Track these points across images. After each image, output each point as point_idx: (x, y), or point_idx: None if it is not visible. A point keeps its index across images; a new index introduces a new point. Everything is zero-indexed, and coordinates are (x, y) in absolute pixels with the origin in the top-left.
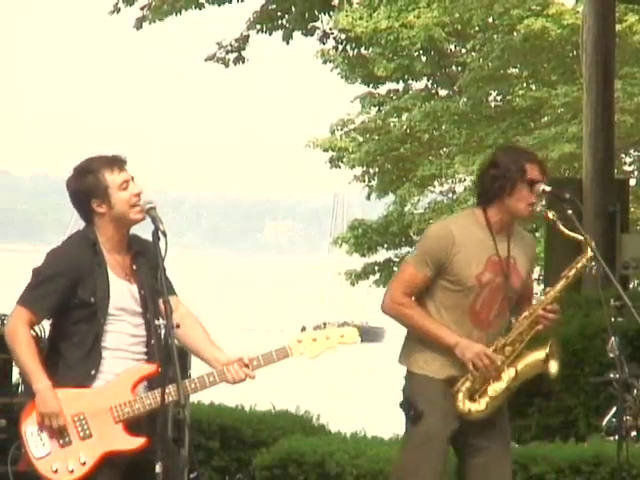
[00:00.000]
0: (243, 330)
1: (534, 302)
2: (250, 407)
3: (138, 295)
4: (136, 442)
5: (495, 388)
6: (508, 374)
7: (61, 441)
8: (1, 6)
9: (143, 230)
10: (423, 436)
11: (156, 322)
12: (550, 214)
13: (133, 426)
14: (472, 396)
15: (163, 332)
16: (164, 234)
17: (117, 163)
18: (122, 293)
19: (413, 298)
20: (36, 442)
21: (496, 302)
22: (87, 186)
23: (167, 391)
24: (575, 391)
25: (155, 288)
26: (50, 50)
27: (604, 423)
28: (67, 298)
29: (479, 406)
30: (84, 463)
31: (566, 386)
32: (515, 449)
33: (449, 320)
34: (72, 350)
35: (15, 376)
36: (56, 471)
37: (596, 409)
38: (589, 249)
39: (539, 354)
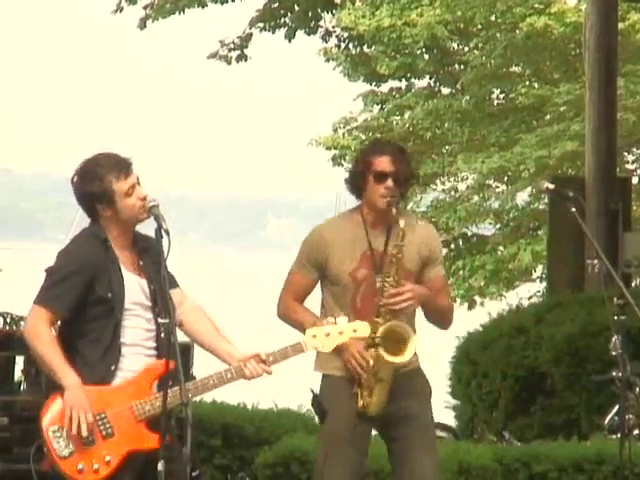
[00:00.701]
0: (245, 326)
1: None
2: (252, 405)
3: (148, 290)
4: (153, 441)
5: (369, 381)
6: (369, 366)
7: (84, 440)
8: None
9: (146, 228)
10: (329, 435)
11: (160, 320)
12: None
13: (153, 424)
14: (370, 394)
15: (165, 330)
16: (167, 232)
17: (123, 168)
18: (135, 288)
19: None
20: (59, 441)
21: (376, 297)
22: (92, 191)
23: (228, 376)
24: (578, 389)
25: (160, 284)
26: (51, 49)
27: (606, 421)
28: (84, 296)
29: (370, 398)
30: (108, 462)
31: (569, 384)
32: (518, 447)
33: (340, 315)
34: (90, 347)
35: (17, 374)
36: (81, 471)
37: (598, 407)
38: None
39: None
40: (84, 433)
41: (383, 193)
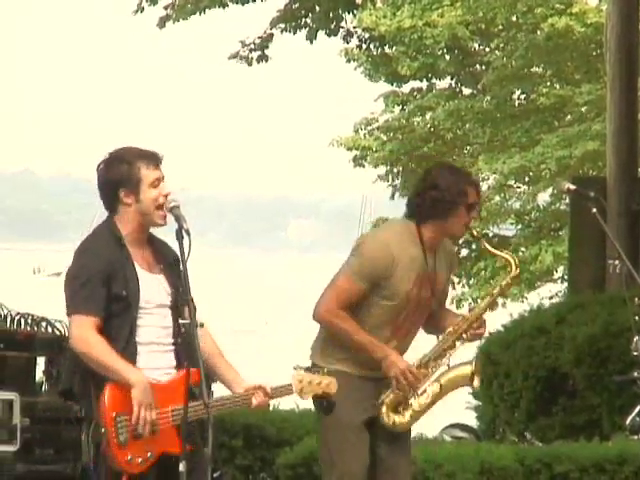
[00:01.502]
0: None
1: (458, 318)
2: (274, 406)
3: (168, 288)
4: (178, 448)
5: (420, 402)
6: (433, 388)
7: (135, 433)
8: (22, 6)
9: (168, 229)
10: (337, 424)
11: (180, 320)
12: (475, 231)
13: (180, 431)
14: (396, 408)
15: (186, 331)
16: (188, 233)
17: (154, 159)
18: (150, 285)
19: None
20: (121, 429)
21: (415, 316)
22: (120, 174)
23: (242, 400)
24: (599, 390)
25: (177, 285)
26: (75, 50)
27: (628, 422)
28: (107, 294)
29: (403, 418)
30: (148, 458)
31: (590, 385)
32: (539, 448)
33: (372, 328)
34: (114, 344)
35: (38, 375)
36: (129, 462)
37: (620, 408)
38: (514, 267)
39: (464, 370)
40: (147, 431)
41: (468, 223)
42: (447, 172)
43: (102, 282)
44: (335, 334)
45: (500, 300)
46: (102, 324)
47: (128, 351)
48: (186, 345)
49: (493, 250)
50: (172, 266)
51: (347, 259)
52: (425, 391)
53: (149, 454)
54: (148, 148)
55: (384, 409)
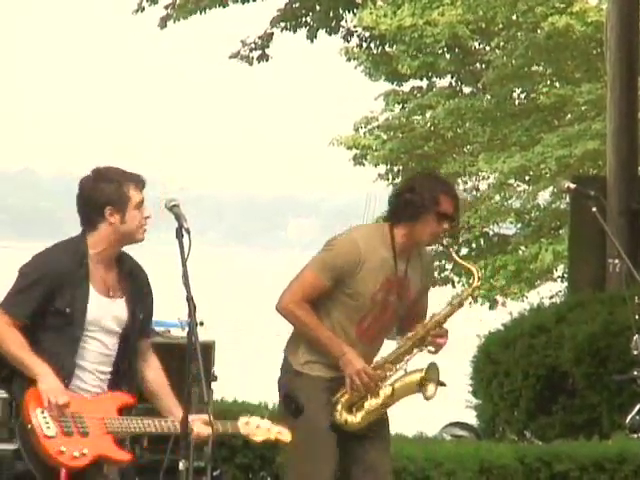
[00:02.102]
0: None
1: (419, 324)
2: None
3: (124, 314)
4: (124, 456)
5: (372, 403)
6: (385, 391)
7: (65, 429)
8: (23, 5)
9: (167, 227)
10: (307, 428)
11: (181, 319)
12: (445, 241)
13: (119, 441)
14: (350, 408)
15: (187, 330)
16: (188, 231)
17: (141, 183)
18: (100, 310)
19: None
20: (46, 422)
21: (384, 319)
22: (108, 192)
23: (168, 425)
24: (599, 389)
25: (140, 313)
26: (74, 49)
27: (628, 420)
28: (45, 304)
29: (354, 419)
30: (85, 455)
31: (590, 384)
32: (539, 446)
33: (337, 328)
34: (40, 355)
35: None
36: (62, 452)
37: (620, 406)
38: (476, 278)
39: (414, 377)
40: (66, 414)
41: (438, 233)
42: (426, 178)
43: (43, 292)
44: (295, 327)
45: (500, 299)
46: (21, 328)
47: (66, 370)
48: (128, 372)
49: (459, 260)
50: (139, 292)
51: (316, 254)
52: (378, 393)
53: (85, 450)
54: (133, 171)
55: (339, 407)
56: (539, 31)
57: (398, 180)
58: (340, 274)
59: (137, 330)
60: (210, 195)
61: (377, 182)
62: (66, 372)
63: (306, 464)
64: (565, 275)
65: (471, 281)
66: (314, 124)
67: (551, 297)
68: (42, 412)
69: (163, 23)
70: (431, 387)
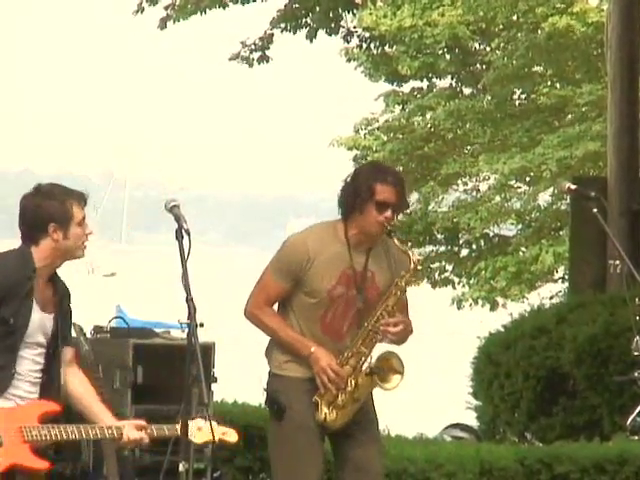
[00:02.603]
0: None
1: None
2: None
3: (50, 326)
4: (41, 464)
5: (342, 398)
6: (350, 385)
7: None
8: (20, 5)
9: (168, 228)
10: (291, 429)
11: (180, 320)
12: (388, 228)
13: (38, 449)
14: (329, 405)
15: (187, 331)
16: (187, 232)
17: (83, 200)
18: (36, 324)
19: (276, 305)
20: None
21: (348, 315)
22: (51, 210)
23: (95, 431)
24: (600, 390)
25: (64, 326)
26: (73, 49)
27: (629, 422)
28: None
29: (331, 416)
30: None
31: (591, 385)
32: (539, 448)
33: (304, 328)
34: None
35: None
36: None
37: (621, 408)
38: (412, 263)
39: (365, 371)
40: None
41: (381, 221)
42: (367, 168)
43: None
44: (262, 331)
45: (500, 300)
46: None
47: (5, 377)
48: (55, 380)
49: (398, 245)
50: (65, 309)
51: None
52: (345, 388)
53: None
54: (76, 189)
55: (320, 406)
56: (539, 32)
57: None
58: (293, 273)
59: (61, 340)
60: (210, 195)
61: None
62: (5, 379)
63: (292, 467)
64: (566, 276)
65: (408, 267)
66: (314, 125)
67: (551, 298)
68: None
69: (163, 24)
70: (394, 378)
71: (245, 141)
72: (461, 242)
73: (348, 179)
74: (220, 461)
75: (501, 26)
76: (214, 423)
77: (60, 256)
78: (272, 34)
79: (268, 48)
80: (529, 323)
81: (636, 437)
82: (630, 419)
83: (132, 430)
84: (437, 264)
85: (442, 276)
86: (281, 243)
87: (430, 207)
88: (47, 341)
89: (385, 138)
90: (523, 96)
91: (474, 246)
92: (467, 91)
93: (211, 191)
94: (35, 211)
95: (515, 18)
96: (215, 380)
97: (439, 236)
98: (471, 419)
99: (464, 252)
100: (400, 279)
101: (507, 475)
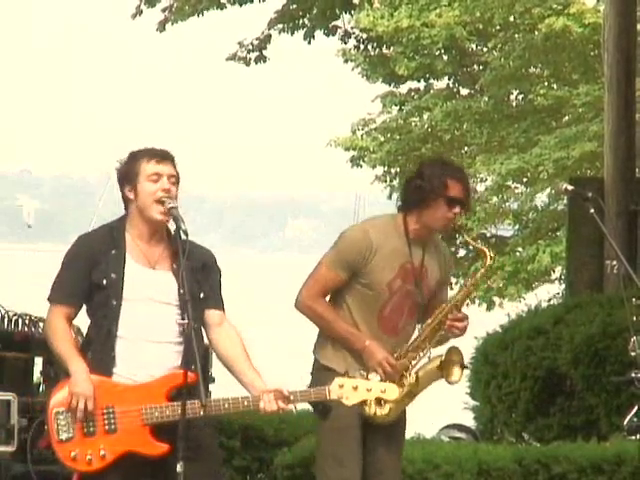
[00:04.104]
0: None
1: (437, 310)
2: None
3: (174, 286)
4: (159, 448)
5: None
6: (409, 380)
7: (85, 430)
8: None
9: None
10: (336, 427)
11: (178, 321)
12: (459, 222)
13: (159, 431)
14: (379, 400)
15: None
16: (186, 233)
17: (158, 155)
18: (142, 279)
19: (328, 297)
20: (61, 424)
21: (405, 309)
22: (124, 171)
23: (245, 403)
24: (597, 390)
25: (195, 293)
26: (72, 51)
27: (626, 422)
28: (86, 282)
29: (383, 411)
30: (103, 457)
31: (588, 385)
32: (537, 448)
33: (359, 321)
34: (94, 335)
35: (36, 376)
36: (74, 458)
37: (618, 408)
38: (488, 258)
39: (435, 362)
40: (82, 420)
41: (449, 218)
42: (435, 163)
43: (82, 269)
44: (315, 323)
45: (497, 300)
46: (73, 312)
47: (108, 345)
48: (187, 345)
49: (472, 242)
50: (195, 269)
51: (330, 248)
52: (402, 383)
53: (102, 452)
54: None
55: (370, 401)
56: (536, 33)
57: (396, 182)
58: (353, 264)
59: (198, 303)
60: (210, 196)
61: (374, 184)
62: (108, 347)
63: (335, 466)
64: (563, 277)
65: (484, 261)
66: (311, 125)
67: (549, 300)
68: (61, 413)
69: (162, 27)
70: (456, 370)
71: (243, 142)
72: (458, 242)
73: (414, 174)
74: None
75: (498, 27)
76: (375, 381)
77: (144, 218)
78: (270, 35)
79: (265, 48)
80: (526, 323)
81: (633, 437)
82: (627, 419)
83: (269, 399)
84: None
85: None
86: (278, 244)
87: None
88: (175, 299)
89: (382, 139)
90: (520, 97)
91: (471, 247)
92: (464, 92)
93: (210, 192)
94: (117, 177)
95: (512, 19)
96: (213, 380)
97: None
98: (468, 419)
99: (461, 252)
100: (474, 274)
101: (505, 475)
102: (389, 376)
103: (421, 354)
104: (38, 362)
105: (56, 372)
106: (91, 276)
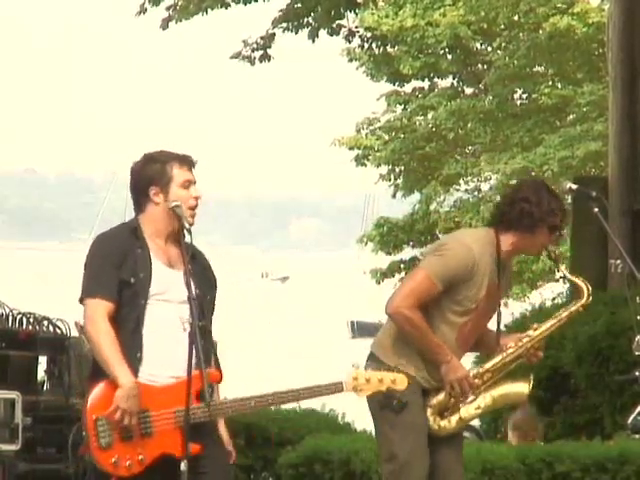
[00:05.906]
0: (266, 327)
1: (523, 336)
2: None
3: (191, 287)
4: (191, 449)
5: (469, 410)
6: (484, 400)
7: (123, 435)
8: (24, 6)
9: None
10: (410, 424)
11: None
12: (553, 253)
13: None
14: (442, 413)
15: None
16: (189, 232)
17: (187, 162)
18: (166, 278)
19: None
20: (103, 432)
21: (480, 326)
22: (152, 173)
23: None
24: (601, 389)
25: (203, 294)
26: (75, 50)
27: (629, 421)
28: (117, 279)
29: (448, 424)
30: (141, 461)
31: (592, 384)
32: (541, 447)
33: (442, 334)
34: (121, 333)
35: (40, 374)
36: (115, 464)
37: (622, 407)
38: (586, 295)
39: (520, 388)
40: (120, 429)
41: (547, 245)
42: (541, 189)
43: (114, 266)
44: (404, 330)
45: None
46: (112, 309)
47: (135, 342)
48: (203, 345)
49: (568, 275)
50: (202, 271)
51: (426, 257)
52: (476, 401)
53: (140, 457)
54: (183, 152)
55: (429, 412)
56: (541, 32)
57: (400, 180)
58: (455, 279)
59: (210, 302)
60: (214, 196)
61: (379, 183)
62: (135, 344)
63: (414, 460)
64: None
65: (581, 296)
66: (316, 124)
67: (553, 299)
68: (100, 420)
69: (165, 24)
70: (524, 385)
71: (247, 141)
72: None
73: (519, 196)
74: None
75: (502, 26)
76: (376, 373)
77: (168, 219)
78: (274, 34)
79: (270, 47)
80: (530, 322)
81: (637, 436)
82: (631, 418)
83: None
84: None
85: None
86: (282, 243)
87: (432, 207)
88: (189, 298)
89: (387, 138)
90: (524, 96)
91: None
92: (468, 91)
93: (215, 191)
94: (136, 177)
95: (516, 18)
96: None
97: (441, 236)
98: None
99: None
100: (570, 309)
101: (508, 474)
102: (464, 393)
103: (495, 376)
104: (42, 361)
105: (60, 371)
106: (120, 274)
